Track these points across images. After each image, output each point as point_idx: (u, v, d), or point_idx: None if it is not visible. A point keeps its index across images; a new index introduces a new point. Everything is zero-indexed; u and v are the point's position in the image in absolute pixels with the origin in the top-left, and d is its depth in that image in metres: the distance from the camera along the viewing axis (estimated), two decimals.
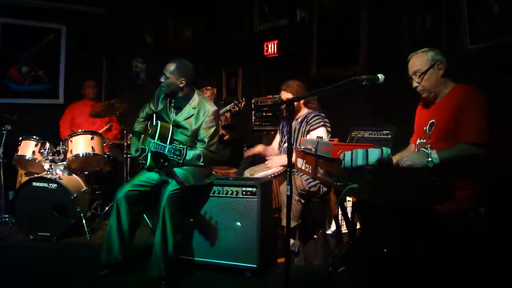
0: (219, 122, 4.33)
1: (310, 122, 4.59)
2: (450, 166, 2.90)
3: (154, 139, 3.92)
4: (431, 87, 3.19)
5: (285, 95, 4.72)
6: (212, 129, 4.11)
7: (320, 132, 4.48)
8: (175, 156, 3.62)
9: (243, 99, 5.98)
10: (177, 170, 3.98)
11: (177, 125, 4.13)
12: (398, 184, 2.66)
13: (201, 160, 4.02)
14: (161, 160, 3.99)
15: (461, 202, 2.89)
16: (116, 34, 7.67)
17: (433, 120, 3.20)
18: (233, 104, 5.91)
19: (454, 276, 2.83)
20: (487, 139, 2.91)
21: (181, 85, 4.11)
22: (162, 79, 4.12)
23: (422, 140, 3.28)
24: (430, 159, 2.85)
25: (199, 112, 4.12)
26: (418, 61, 3.20)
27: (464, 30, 4.44)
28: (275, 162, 4.69)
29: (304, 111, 4.76)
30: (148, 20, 7.92)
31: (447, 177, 2.78)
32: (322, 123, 4.58)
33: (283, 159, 4.71)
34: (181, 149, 3.60)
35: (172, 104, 4.20)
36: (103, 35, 7.53)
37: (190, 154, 3.96)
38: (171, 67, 4.09)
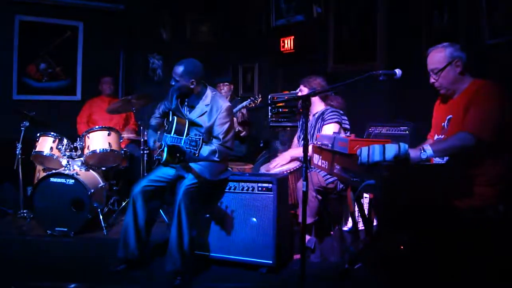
0: (233, 117, 4.31)
1: (325, 117, 4.55)
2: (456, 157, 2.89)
3: (170, 134, 3.93)
4: (448, 84, 3.16)
5: (304, 90, 4.69)
6: (226, 125, 4.10)
7: (332, 128, 4.45)
8: (191, 147, 3.60)
9: (260, 96, 5.97)
10: (193, 165, 3.98)
11: (191, 123, 4.13)
12: (416, 180, 2.64)
13: (217, 155, 4.01)
14: (178, 155, 3.99)
15: (480, 199, 2.86)
16: (133, 31, 7.70)
17: (451, 116, 3.16)
18: (249, 100, 5.89)
19: (472, 274, 2.80)
20: (492, 134, 2.88)
21: (192, 86, 4.09)
22: (173, 83, 4.11)
23: (440, 136, 3.25)
24: (423, 151, 2.82)
25: (212, 108, 4.11)
26: (436, 57, 3.16)
27: (483, 24, 4.38)
28: (277, 163, 4.70)
29: (322, 107, 4.72)
30: (165, 16, 7.93)
31: (467, 173, 2.75)
32: (336, 119, 4.52)
33: (285, 157, 4.71)
34: (197, 140, 3.59)
35: (186, 103, 4.20)
36: (120, 31, 7.56)
37: (206, 149, 3.96)
38: (179, 70, 4.03)
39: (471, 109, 2.96)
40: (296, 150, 4.71)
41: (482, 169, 2.92)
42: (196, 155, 3.62)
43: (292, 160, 4.69)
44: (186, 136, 3.90)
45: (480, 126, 2.88)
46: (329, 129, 4.46)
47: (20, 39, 6.88)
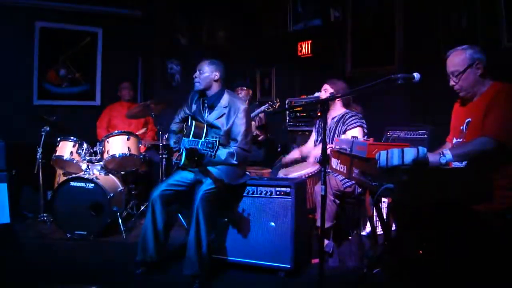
0: (250, 119, 4.33)
1: (347, 122, 4.54)
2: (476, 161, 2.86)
3: (188, 137, 3.96)
4: (468, 87, 3.12)
5: (328, 90, 4.67)
6: (244, 127, 4.11)
7: (356, 132, 4.43)
8: (208, 149, 3.63)
9: (278, 100, 5.97)
10: (211, 169, 4.00)
11: (210, 125, 4.16)
12: (435, 184, 2.62)
13: (235, 158, 4.03)
14: (195, 158, 4.02)
15: (500, 202, 2.82)
16: (151, 36, 7.76)
17: (469, 119, 3.13)
18: (267, 105, 5.90)
19: (493, 278, 2.78)
20: (510, 137, 2.85)
21: (215, 78, 4.16)
22: (196, 75, 4.18)
23: (458, 140, 3.22)
24: (442, 156, 2.80)
25: (230, 110, 4.13)
26: (456, 59, 3.13)
27: (501, 27, 4.35)
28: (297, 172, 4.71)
29: (341, 111, 4.70)
30: (182, 22, 7.98)
31: (486, 176, 2.73)
32: (359, 123, 4.52)
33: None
34: (214, 141, 3.62)
35: (206, 104, 4.24)
36: (138, 37, 7.62)
37: (224, 152, 3.99)
38: (205, 62, 4.18)
39: (490, 113, 2.94)
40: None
41: (502, 173, 2.89)
42: (213, 156, 3.64)
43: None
44: (203, 139, 3.94)
45: (500, 130, 2.85)
46: (355, 133, 4.42)
47: (40, 45, 6.97)
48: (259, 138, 6.23)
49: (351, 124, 4.52)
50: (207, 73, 4.15)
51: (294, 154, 5.10)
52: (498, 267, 2.77)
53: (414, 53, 5.37)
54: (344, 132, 4.53)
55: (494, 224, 2.86)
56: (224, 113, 4.13)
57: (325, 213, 3.13)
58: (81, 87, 7.36)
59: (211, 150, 3.62)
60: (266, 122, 6.44)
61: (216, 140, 3.62)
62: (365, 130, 4.58)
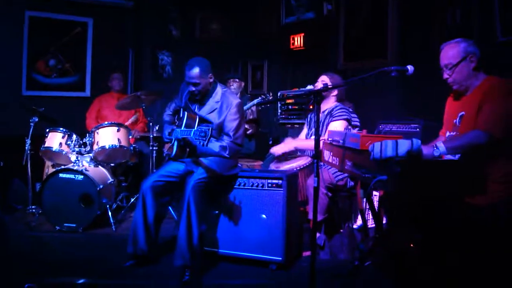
0: (243, 114, 4.30)
1: (334, 113, 4.52)
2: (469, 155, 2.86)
3: (180, 128, 3.95)
4: (462, 80, 3.12)
5: (325, 80, 4.64)
6: (237, 122, 4.09)
7: (340, 125, 4.42)
8: (201, 138, 3.60)
9: (271, 94, 5.95)
10: (202, 160, 3.98)
11: (201, 120, 4.13)
12: (428, 177, 2.61)
13: (227, 152, 4.01)
14: (187, 149, 3.99)
15: (492, 196, 2.83)
16: (143, 27, 7.72)
17: (463, 113, 3.13)
18: (260, 98, 5.88)
19: (484, 271, 2.77)
20: (505, 132, 2.84)
21: (211, 80, 4.12)
22: (193, 88, 4.06)
23: (451, 133, 3.22)
24: (436, 148, 2.79)
25: (223, 105, 4.10)
26: (450, 52, 3.12)
27: (496, 21, 4.35)
28: (280, 148, 4.67)
29: (333, 104, 4.68)
30: (175, 13, 7.94)
31: (480, 170, 2.72)
32: (345, 116, 4.49)
33: (290, 146, 4.67)
34: (206, 130, 3.59)
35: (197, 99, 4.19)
36: (129, 28, 7.57)
37: (217, 145, 3.98)
38: (197, 71, 4.00)
39: (484, 107, 2.93)
40: (302, 142, 4.66)
41: (495, 167, 2.89)
42: (205, 145, 3.61)
43: (296, 150, 4.67)
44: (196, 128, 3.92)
45: (493, 124, 2.85)
46: (337, 126, 4.42)
47: (29, 35, 6.89)
48: (248, 132, 6.20)
49: (336, 116, 4.49)
50: (204, 83, 4.05)
51: (287, 143, 5.01)
52: (490, 260, 2.77)
53: (407, 47, 5.36)
54: (328, 124, 4.51)
55: (486, 217, 2.85)
56: (216, 108, 4.10)
57: (317, 205, 3.11)
58: (71, 78, 7.28)
59: (204, 139, 3.60)
60: (258, 116, 6.42)
61: (209, 129, 3.60)
62: (355, 123, 4.57)
